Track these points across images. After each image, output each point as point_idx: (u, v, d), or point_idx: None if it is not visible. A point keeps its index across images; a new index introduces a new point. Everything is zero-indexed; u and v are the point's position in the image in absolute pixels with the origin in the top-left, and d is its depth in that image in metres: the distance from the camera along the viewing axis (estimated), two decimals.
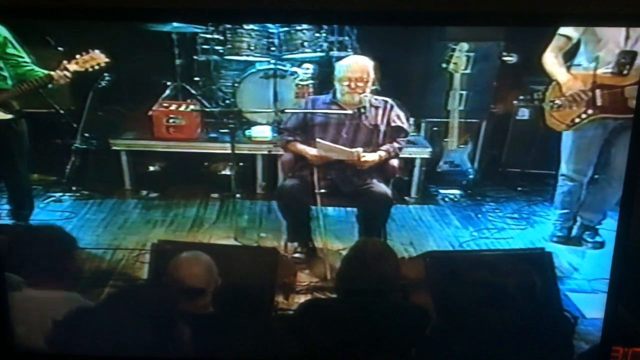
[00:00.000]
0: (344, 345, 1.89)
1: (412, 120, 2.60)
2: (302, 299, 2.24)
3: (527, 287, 2.05)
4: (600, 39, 2.29)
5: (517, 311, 2.02)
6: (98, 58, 2.31)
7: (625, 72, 2.23)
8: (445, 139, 2.80)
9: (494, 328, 1.95)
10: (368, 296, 1.98)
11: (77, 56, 2.32)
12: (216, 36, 2.82)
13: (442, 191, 2.82)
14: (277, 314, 2.11)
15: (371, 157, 2.47)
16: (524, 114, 2.69)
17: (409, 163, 2.79)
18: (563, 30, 2.29)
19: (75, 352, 2.28)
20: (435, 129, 2.83)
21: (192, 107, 2.78)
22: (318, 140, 2.39)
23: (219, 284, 2.07)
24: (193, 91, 2.85)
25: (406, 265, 2.13)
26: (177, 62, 2.80)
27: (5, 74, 2.35)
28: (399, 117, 2.47)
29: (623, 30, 2.20)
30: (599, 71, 2.31)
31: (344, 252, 2.27)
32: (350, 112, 2.46)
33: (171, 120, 2.75)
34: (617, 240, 2.14)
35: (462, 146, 2.81)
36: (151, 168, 2.84)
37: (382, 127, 2.48)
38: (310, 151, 2.46)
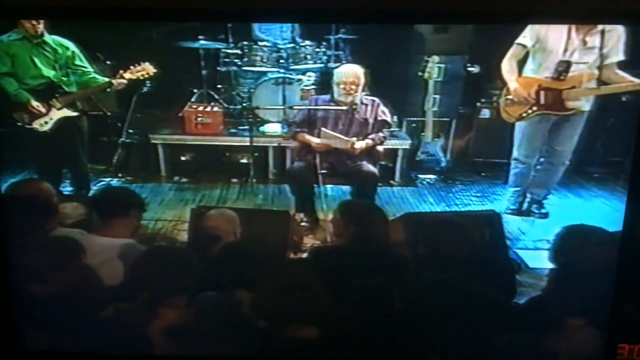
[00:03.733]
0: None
1: (395, 117, 2.92)
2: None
3: (481, 237, 2.39)
4: (545, 48, 2.60)
5: (474, 256, 2.34)
6: (148, 69, 2.71)
7: (562, 77, 2.58)
8: (422, 133, 3.12)
9: (456, 266, 2.26)
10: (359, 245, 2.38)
11: (131, 67, 2.70)
12: (235, 51, 3.17)
13: (420, 176, 3.14)
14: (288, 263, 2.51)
15: (361, 144, 2.85)
16: (485, 113, 3.02)
17: (392, 153, 3.13)
18: (520, 40, 2.56)
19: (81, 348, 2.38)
20: (413, 125, 3.16)
21: (216, 108, 3.14)
22: (323, 129, 2.80)
23: (237, 236, 2.39)
24: (216, 96, 3.20)
25: (390, 225, 2.48)
26: (203, 72, 3.16)
27: (72, 80, 2.72)
28: (384, 113, 2.84)
29: (563, 42, 2.52)
30: (542, 76, 2.64)
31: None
32: (345, 108, 2.84)
33: (199, 119, 3.12)
34: (622, 238, 2.16)
35: (436, 139, 3.13)
36: (183, 158, 3.19)
37: (371, 120, 2.86)
38: (314, 140, 2.86)
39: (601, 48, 2.47)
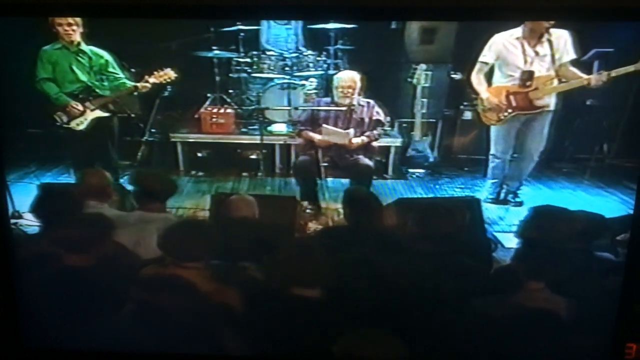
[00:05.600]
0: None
1: (388, 118, 3.17)
2: None
3: (462, 218, 2.67)
4: (508, 63, 2.86)
5: (456, 233, 2.62)
6: (169, 73, 2.97)
7: (527, 84, 2.86)
8: (412, 133, 3.35)
9: (444, 243, 2.54)
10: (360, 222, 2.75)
11: (155, 72, 2.97)
12: (246, 60, 3.44)
13: (410, 170, 3.36)
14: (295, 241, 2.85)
15: (358, 140, 3.14)
16: (467, 115, 3.25)
17: (385, 150, 3.38)
18: (481, 58, 2.85)
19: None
20: (404, 125, 3.36)
21: (229, 110, 3.40)
22: (324, 125, 3.11)
23: (256, 217, 2.74)
24: (228, 99, 3.45)
25: (384, 209, 2.81)
26: (217, 78, 3.38)
27: (105, 85, 3.00)
28: (378, 113, 3.10)
29: (521, 55, 2.80)
30: (511, 84, 2.91)
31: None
32: (343, 109, 3.11)
33: (214, 119, 3.37)
34: (631, 238, 2.21)
35: (424, 138, 3.35)
36: (199, 154, 3.42)
37: (366, 120, 3.12)
38: (316, 137, 3.15)
39: (552, 54, 2.79)
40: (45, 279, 2.61)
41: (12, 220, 2.74)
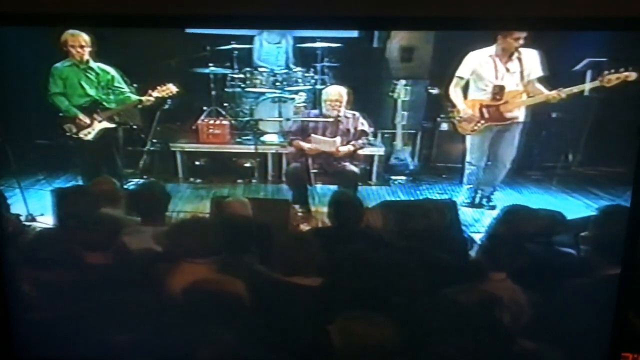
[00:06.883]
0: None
1: (372, 129, 3.34)
2: None
3: (439, 217, 2.89)
4: (482, 77, 3.04)
5: (437, 231, 2.86)
6: (171, 88, 3.15)
7: (498, 98, 3.04)
8: (394, 142, 3.49)
9: (422, 239, 2.78)
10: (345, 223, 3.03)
11: (158, 87, 3.15)
12: (239, 75, 3.63)
13: (392, 177, 3.51)
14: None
15: (344, 148, 3.32)
16: (444, 126, 3.43)
17: (370, 158, 3.54)
18: (458, 73, 3.01)
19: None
20: (386, 135, 3.50)
21: (224, 122, 3.58)
22: (313, 135, 3.35)
23: (252, 217, 2.99)
24: (223, 112, 3.63)
25: (369, 211, 3.08)
26: (213, 93, 3.60)
27: (112, 98, 3.18)
28: (363, 124, 3.26)
29: (493, 71, 2.98)
30: (484, 97, 3.09)
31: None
32: (331, 120, 3.31)
33: (210, 130, 3.55)
34: (625, 248, 2.21)
35: (405, 147, 3.49)
36: (197, 162, 3.58)
37: (352, 130, 3.30)
38: (306, 145, 3.34)
39: (522, 71, 3.03)
40: (39, 286, 2.72)
41: (27, 223, 3.02)
